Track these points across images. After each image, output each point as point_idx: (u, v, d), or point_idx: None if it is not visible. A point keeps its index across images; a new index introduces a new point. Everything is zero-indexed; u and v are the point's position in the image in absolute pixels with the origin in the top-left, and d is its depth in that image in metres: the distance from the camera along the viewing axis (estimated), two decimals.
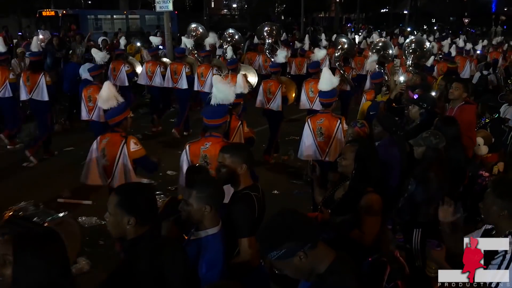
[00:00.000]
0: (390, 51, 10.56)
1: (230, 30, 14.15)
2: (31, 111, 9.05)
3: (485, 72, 11.88)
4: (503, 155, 6.83)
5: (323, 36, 17.49)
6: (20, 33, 22.00)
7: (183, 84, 10.05)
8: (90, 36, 17.09)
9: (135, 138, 4.78)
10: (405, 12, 44.02)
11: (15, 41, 18.20)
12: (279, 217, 2.06)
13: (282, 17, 49.00)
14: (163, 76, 10.32)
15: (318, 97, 6.58)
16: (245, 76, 7.05)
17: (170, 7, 13.72)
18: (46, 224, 3.29)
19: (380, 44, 10.88)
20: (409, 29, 35.37)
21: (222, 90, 4.36)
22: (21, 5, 27.81)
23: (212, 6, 54.71)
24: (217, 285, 2.30)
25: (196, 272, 2.61)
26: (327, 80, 5.70)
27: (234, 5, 50.99)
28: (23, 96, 8.34)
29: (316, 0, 43.84)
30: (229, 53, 10.45)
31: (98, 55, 8.64)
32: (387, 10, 54.61)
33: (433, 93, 6.47)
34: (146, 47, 14.01)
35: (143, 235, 2.40)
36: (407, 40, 11.16)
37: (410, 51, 9.87)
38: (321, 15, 56.90)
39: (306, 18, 41.98)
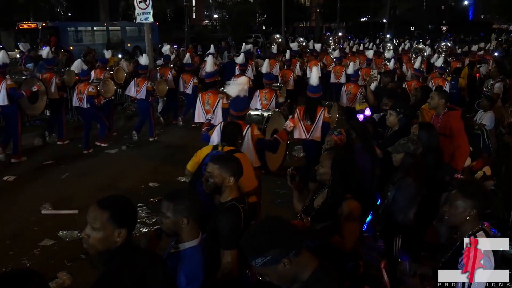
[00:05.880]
0: (426, 53, 16.33)
1: (301, 39, 22.45)
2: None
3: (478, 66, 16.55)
4: (487, 158, 6.92)
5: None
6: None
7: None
8: (71, 51, 16.99)
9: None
10: (385, 20, 44.57)
11: None
12: (265, 224, 2.05)
13: (263, 27, 49.26)
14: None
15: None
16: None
17: (151, 19, 13.75)
18: None
19: (419, 46, 17.61)
20: (388, 36, 36.12)
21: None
22: (0, 18, 27.54)
23: (194, 17, 54.72)
24: None
25: (176, 285, 2.57)
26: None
27: (215, 16, 51.07)
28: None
29: (297, 10, 44.24)
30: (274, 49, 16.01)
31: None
32: (367, 19, 55.31)
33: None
34: (127, 59, 13.98)
35: (122, 246, 2.35)
36: (441, 44, 18.99)
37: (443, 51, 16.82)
38: (302, 25, 57.40)
39: (287, 28, 42.30)
